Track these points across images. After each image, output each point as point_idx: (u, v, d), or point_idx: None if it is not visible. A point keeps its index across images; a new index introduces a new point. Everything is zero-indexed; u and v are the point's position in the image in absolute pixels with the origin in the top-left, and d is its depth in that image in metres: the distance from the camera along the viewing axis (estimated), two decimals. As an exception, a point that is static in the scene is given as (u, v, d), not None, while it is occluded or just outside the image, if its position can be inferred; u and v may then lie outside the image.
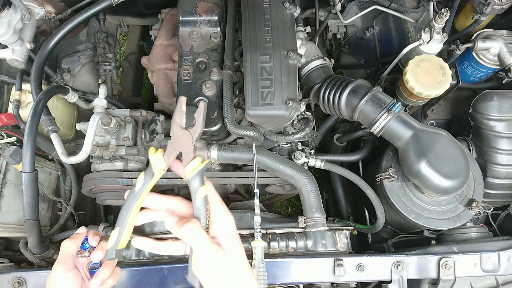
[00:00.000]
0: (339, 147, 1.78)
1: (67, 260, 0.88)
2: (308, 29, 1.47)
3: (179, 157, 0.74)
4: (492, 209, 1.30)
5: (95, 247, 0.92)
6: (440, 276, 1.15)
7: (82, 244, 0.93)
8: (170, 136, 0.72)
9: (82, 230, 0.96)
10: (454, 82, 1.43)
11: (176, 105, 0.73)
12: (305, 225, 1.25)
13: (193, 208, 0.74)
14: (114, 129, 1.31)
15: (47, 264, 1.31)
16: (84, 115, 1.64)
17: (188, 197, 1.36)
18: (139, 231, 1.30)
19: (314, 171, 1.44)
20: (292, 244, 1.23)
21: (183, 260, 1.23)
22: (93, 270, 0.92)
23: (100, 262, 0.92)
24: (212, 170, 1.39)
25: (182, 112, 0.72)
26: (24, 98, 1.42)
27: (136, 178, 1.28)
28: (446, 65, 1.34)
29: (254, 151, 1.24)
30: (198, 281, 0.73)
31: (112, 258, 0.77)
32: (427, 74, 1.32)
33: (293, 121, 1.39)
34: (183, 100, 0.75)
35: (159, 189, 1.76)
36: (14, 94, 1.40)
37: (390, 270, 1.15)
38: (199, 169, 0.70)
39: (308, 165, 1.41)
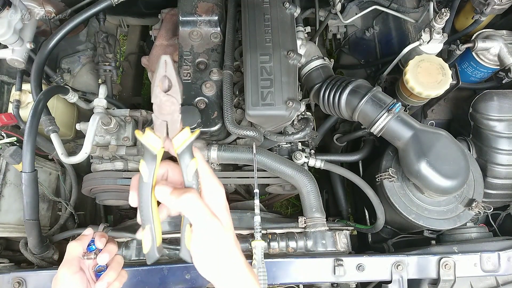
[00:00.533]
0: (339, 147, 1.78)
1: (73, 262, 0.88)
2: (308, 29, 1.47)
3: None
4: (492, 209, 1.30)
5: (101, 250, 0.92)
6: (440, 276, 1.15)
7: (88, 246, 0.92)
8: (152, 105, 0.63)
9: (88, 231, 0.95)
10: (454, 82, 1.43)
11: (160, 66, 0.61)
12: (305, 225, 1.25)
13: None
14: (114, 129, 1.31)
15: (47, 264, 1.31)
16: (84, 115, 1.64)
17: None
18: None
19: (314, 171, 1.44)
20: (292, 244, 1.23)
21: (183, 260, 1.22)
22: (99, 272, 0.91)
23: (106, 264, 0.91)
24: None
25: (164, 75, 0.60)
26: (24, 98, 1.42)
27: (136, 178, 1.30)
28: (446, 65, 1.34)
29: (254, 151, 1.24)
30: (190, 255, 0.67)
31: (156, 258, 0.68)
32: (427, 74, 1.32)
33: (293, 121, 1.39)
34: (166, 59, 0.61)
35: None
36: (14, 94, 1.40)
37: (390, 270, 1.15)
38: (189, 141, 0.62)
39: (308, 165, 1.41)
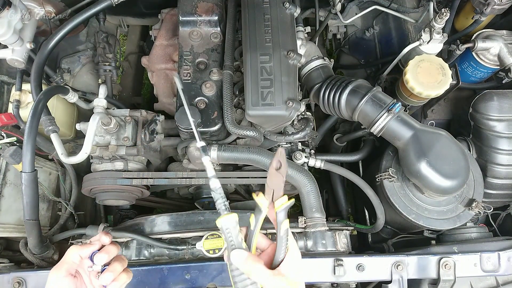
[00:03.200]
0: (339, 147, 1.78)
1: (63, 266, 0.87)
2: (308, 29, 1.47)
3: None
4: (492, 209, 1.30)
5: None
6: (440, 276, 1.15)
7: (92, 255, 0.89)
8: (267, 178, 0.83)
9: (95, 245, 0.91)
10: (454, 82, 1.43)
11: (277, 154, 0.82)
12: (305, 225, 1.25)
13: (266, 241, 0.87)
14: (114, 129, 1.31)
15: (47, 264, 1.31)
16: (84, 115, 1.64)
17: (187, 196, 1.31)
18: (138, 230, 1.31)
19: (314, 171, 1.44)
20: (292, 244, 1.22)
21: (183, 260, 1.23)
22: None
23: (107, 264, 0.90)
24: (212, 170, 1.39)
25: (278, 159, 0.82)
26: (24, 98, 1.42)
27: (136, 177, 1.30)
28: (446, 65, 1.34)
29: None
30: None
31: None
32: (427, 74, 1.32)
33: (293, 121, 1.39)
34: (282, 151, 0.82)
35: (160, 189, 1.78)
36: (14, 94, 1.40)
37: (390, 270, 1.15)
38: (286, 205, 0.81)
39: (308, 165, 1.41)
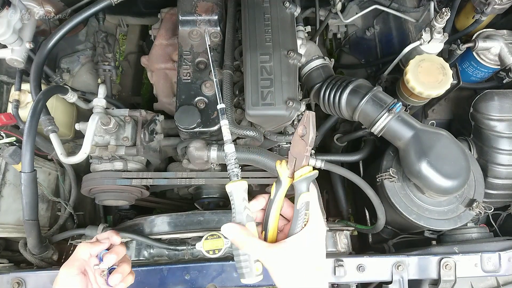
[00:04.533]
0: (339, 147, 1.78)
1: (74, 263, 0.87)
2: (308, 28, 1.47)
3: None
4: (493, 210, 1.30)
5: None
6: (441, 276, 1.15)
7: (100, 254, 0.90)
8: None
9: (104, 244, 0.91)
10: (455, 82, 1.43)
11: (304, 118, 0.76)
12: (305, 225, 1.25)
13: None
14: (113, 129, 1.30)
15: (47, 264, 1.31)
16: (84, 115, 1.64)
17: (187, 196, 1.32)
18: (137, 231, 1.30)
19: (314, 171, 1.43)
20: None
21: (183, 260, 1.22)
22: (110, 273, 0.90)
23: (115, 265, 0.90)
24: (212, 170, 1.39)
25: (303, 124, 0.76)
26: (23, 98, 1.42)
27: (135, 178, 1.30)
28: (446, 65, 1.33)
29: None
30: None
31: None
32: (427, 74, 1.32)
33: (293, 121, 1.38)
34: (312, 114, 0.76)
35: (159, 189, 1.78)
36: (14, 94, 1.39)
37: (390, 270, 1.15)
38: (306, 176, 0.74)
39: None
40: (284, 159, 0.78)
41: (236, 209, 0.76)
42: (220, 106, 0.90)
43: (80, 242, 1.33)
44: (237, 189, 0.76)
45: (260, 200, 0.79)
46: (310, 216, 0.75)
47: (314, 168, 0.76)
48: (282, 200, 0.78)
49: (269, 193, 0.79)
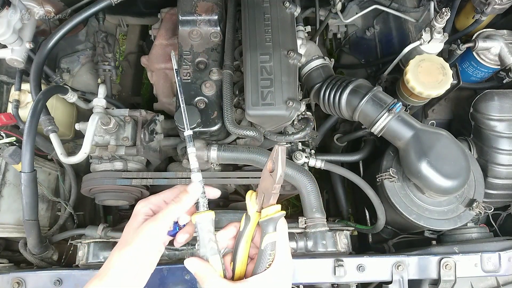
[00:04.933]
0: (339, 147, 1.78)
1: (164, 224, 0.77)
2: (308, 28, 1.47)
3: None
4: (493, 210, 1.30)
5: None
6: (441, 276, 1.14)
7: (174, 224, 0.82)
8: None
9: (185, 217, 0.82)
10: (455, 82, 1.43)
11: (273, 153, 0.73)
12: (305, 225, 1.25)
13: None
14: (113, 129, 1.30)
15: (47, 264, 1.31)
16: (84, 115, 1.64)
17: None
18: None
19: (314, 171, 1.43)
20: (292, 244, 1.22)
21: (182, 260, 1.22)
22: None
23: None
24: (212, 170, 1.39)
25: (272, 159, 0.73)
26: (23, 98, 1.42)
27: (135, 177, 1.30)
28: (446, 65, 1.33)
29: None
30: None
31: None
32: (427, 74, 1.32)
33: (293, 121, 1.38)
34: (282, 149, 0.72)
35: (158, 190, 1.77)
36: (14, 94, 1.39)
37: (390, 270, 1.15)
38: (271, 217, 0.71)
39: (308, 165, 1.40)
40: (254, 192, 0.76)
41: (201, 242, 0.74)
42: (188, 133, 0.83)
43: (80, 242, 1.33)
44: (203, 220, 0.74)
45: (230, 229, 0.77)
46: (275, 256, 0.73)
47: (282, 208, 0.73)
48: (252, 233, 0.76)
49: (240, 222, 0.78)
